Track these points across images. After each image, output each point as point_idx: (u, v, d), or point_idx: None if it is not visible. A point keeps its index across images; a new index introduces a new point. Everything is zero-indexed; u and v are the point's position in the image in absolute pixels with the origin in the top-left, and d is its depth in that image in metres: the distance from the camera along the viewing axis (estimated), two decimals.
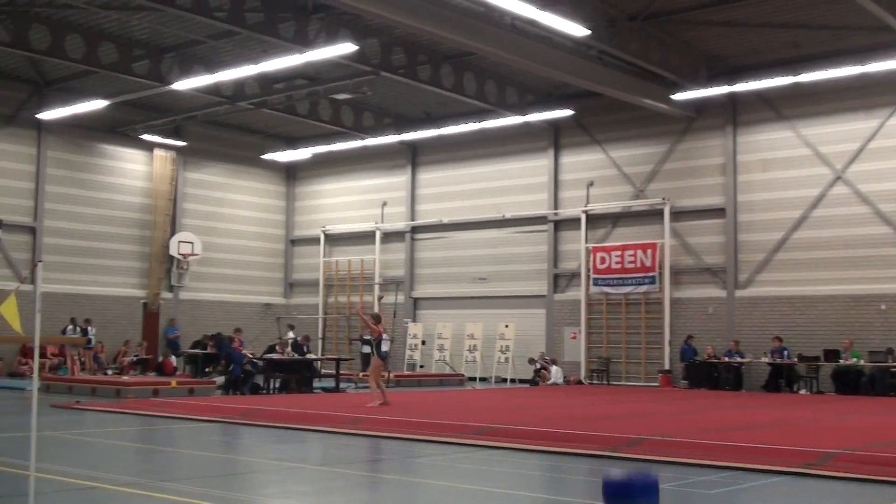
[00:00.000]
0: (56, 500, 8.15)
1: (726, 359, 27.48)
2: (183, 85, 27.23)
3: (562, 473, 11.14)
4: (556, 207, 32.00)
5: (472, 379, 31.49)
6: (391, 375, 28.72)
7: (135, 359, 31.54)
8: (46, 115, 30.42)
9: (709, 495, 9.32)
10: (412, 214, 35.50)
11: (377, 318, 19.90)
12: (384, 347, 32.13)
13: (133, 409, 17.84)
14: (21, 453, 9.19)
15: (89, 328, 30.51)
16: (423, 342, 33.62)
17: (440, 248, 34.86)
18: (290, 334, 30.51)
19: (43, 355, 28.63)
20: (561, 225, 32.05)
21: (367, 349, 30.89)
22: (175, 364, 31.37)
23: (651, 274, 29.52)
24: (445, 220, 34.40)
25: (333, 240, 37.63)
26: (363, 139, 33.88)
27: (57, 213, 31.63)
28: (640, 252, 29.85)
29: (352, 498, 8.90)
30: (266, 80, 28.98)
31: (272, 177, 38.36)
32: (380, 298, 31.40)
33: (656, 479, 1.59)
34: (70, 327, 29.91)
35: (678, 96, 27.17)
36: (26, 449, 7.67)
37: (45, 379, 24.12)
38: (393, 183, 36.19)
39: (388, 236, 36.11)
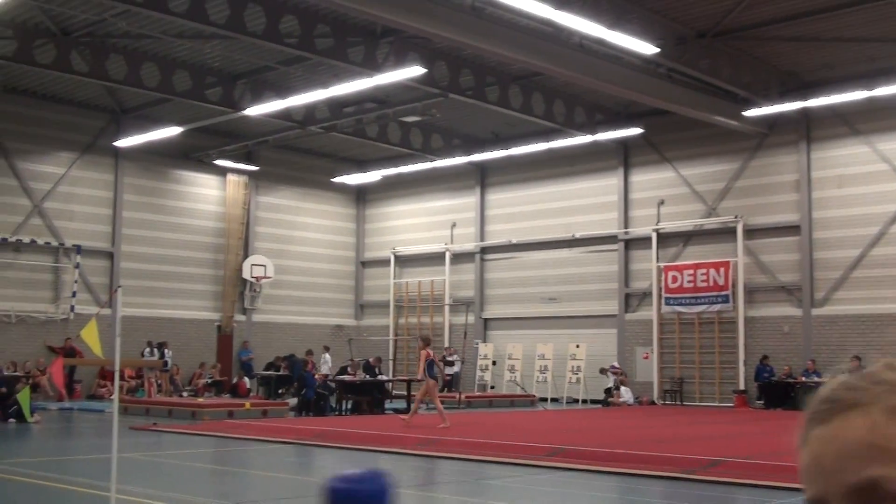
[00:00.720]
0: None
1: (803, 378, 26.95)
2: (255, 111, 27.67)
3: (636, 496, 11.00)
4: (626, 226, 31.77)
5: (544, 400, 31.31)
6: (462, 396, 28.71)
7: (209, 381, 31.97)
8: (123, 143, 31.13)
9: None
10: (481, 235, 35.53)
11: (426, 341, 20.06)
12: (455, 369, 32.35)
13: (208, 431, 18.06)
14: (102, 475, 9.36)
15: (166, 351, 31.03)
16: (494, 363, 33.55)
17: (510, 268, 34.80)
18: (326, 356, 30.75)
19: (121, 378, 29.15)
20: (631, 244, 31.80)
21: (448, 370, 31.20)
22: (249, 386, 31.76)
23: (724, 293, 29.11)
24: (515, 240, 34.35)
25: (403, 261, 37.80)
26: (432, 161, 34.03)
27: (133, 239, 32.28)
28: (712, 271, 29.46)
29: None
30: (336, 104, 29.29)
31: (342, 199, 38.71)
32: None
33: (384, 485, 1.45)
34: (147, 350, 30.45)
35: (750, 113, 26.81)
36: (107, 471, 7.82)
37: (123, 401, 24.54)
38: (462, 204, 36.27)
39: (458, 257, 36.16)
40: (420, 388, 19.97)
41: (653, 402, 29.92)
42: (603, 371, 30.20)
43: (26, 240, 29.81)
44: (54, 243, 30.40)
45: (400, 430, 17.36)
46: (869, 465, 0.81)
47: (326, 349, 32.06)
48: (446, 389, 31.51)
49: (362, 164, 37.41)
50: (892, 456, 0.81)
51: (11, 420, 18.12)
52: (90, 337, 7.75)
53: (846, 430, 0.85)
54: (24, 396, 8.05)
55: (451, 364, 32.12)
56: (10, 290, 29.45)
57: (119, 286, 8.99)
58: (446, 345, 34.98)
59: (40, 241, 30.11)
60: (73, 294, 30.47)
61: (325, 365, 31.09)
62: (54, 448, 15.92)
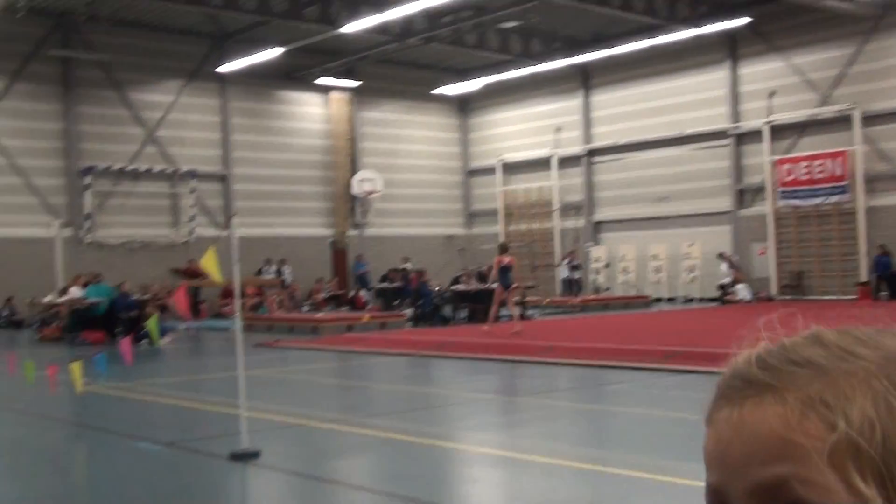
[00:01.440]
0: (268, 438, 8.62)
1: None
2: (352, 27, 27.64)
3: None
4: (736, 121, 30.96)
5: (658, 300, 31.17)
6: (577, 300, 28.77)
7: (328, 295, 32.77)
8: (227, 67, 31.57)
9: None
10: (587, 138, 35.10)
11: (502, 248, 20.43)
12: (567, 274, 32.40)
13: (329, 346, 18.56)
14: (231, 393, 9.77)
15: (284, 268, 31.87)
16: (607, 265, 33.43)
17: (618, 170, 34.38)
18: (408, 265, 31.33)
19: (243, 296, 30.08)
20: (743, 138, 31.02)
21: (573, 274, 31.65)
22: (366, 298, 32.41)
23: (842, 183, 28.26)
24: (622, 141, 33.85)
25: (510, 168, 37.68)
26: (533, 65, 33.57)
27: (244, 161, 32.95)
28: (829, 161, 28.59)
29: (546, 428, 9.05)
30: (433, 15, 29.04)
31: (446, 110, 38.63)
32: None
33: None
34: (265, 268, 31.30)
35: None
36: (236, 389, 8.15)
37: (246, 319, 25.30)
38: (566, 107, 35.81)
39: (565, 161, 35.85)
40: (496, 295, 20.06)
41: (770, 298, 29.48)
42: (721, 256, 29.81)
43: (143, 168, 30.73)
44: (169, 170, 31.26)
45: (516, 338, 17.54)
46: (778, 462, 0.72)
47: (406, 259, 32.34)
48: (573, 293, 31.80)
49: (463, 74, 37.14)
50: (803, 454, 0.71)
51: (143, 342, 18.96)
52: (210, 265, 8.00)
53: (757, 417, 0.74)
54: (152, 323, 8.46)
55: (577, 268, 32.40)
56: (132, 217, 30.52)
57: (234, 213, 9.24)
58: (557, 250, 35.01)
59: (156, 169, 31.00)
60: (192, 218, 31.41)
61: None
62: (185, 368, 16.63)
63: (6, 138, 28.54)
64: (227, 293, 30.43)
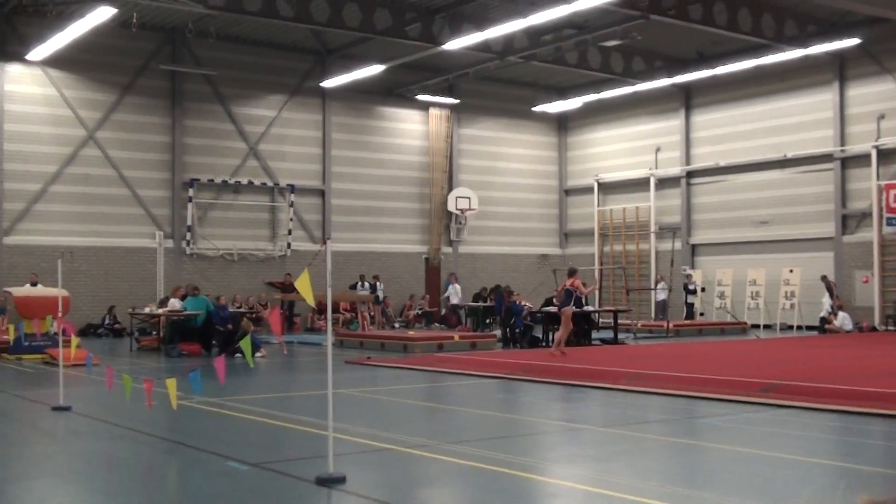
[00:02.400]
0: (354, 462, 8.65)
1: None
2: (454, 44, 27.77)
3: (858, 437, 10.57)
4: (842, 144, 30.16)
5: (756, 326, 30.49)
6: (670, 325, 28.34)
7: (420, 312, 32.90)
8: (329, 83, 32.05)
9: None
10: (687, 159, 34.60)
11: (571, 272, 20.15)
12: (662, 296, 31.95)
13: (419, 365, 18.59)
14: (320, 412, 9.83)
15: (377, 284, 32.11)
16: (703, 289, 32.86)
17: (717, 191, 33.80)
18: (456, 286, 32.63)
19: (336, 311, 30.43)
20: (848, 162, 30.20)
21: (661, 296, 31.39)
22: (459, 316, 32.47)
23: None
24: (722, 162, 33.29)
25: (607, 188, 37.36)
26: (634, 84, 33.28)
27: (342, 176, 33.36)
28: None
29: (637, 464, 8.88)
30: (534, 33, 29.01)
31: (544, 128, 38.52)
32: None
33: None
34: (359, 284, 31.59)
35: None
36: (325, 407, 8.19)
37: (338, 334, 25.64)
38: (666, 127, 35.38)
39: (663, 182, 35.40)
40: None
41: (874, 328, 28.58)
42: (823, 279, 29.05)
43: (244, 181, 31.35)
44: (269, 183, 31.82)
45: (608, 364, 17.32)
46: None
47: (455, 278, 32.73)
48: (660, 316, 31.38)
49: (563, 92, 37.02)
50: None
51: (238, 356, 19.27)
52: (304, 287, 8.06)
53: None
54: (245, 343, 8.57)
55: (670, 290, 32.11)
56: (231, 230, 31.15)
57: (329, 237, 9.31)
58: (653, 272, 34.55)
59: (257, 182, 31.60)
60: (289, 232, 31.90)
61: (455, 295, 31.84)
62: (277, 384, 16.83)
63: (115, 150, 29.45)
64: (321, 309, 30.83)
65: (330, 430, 8.04)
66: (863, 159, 29.71)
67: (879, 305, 29.12)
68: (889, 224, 28.77)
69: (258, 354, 20.55)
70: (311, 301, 8.41)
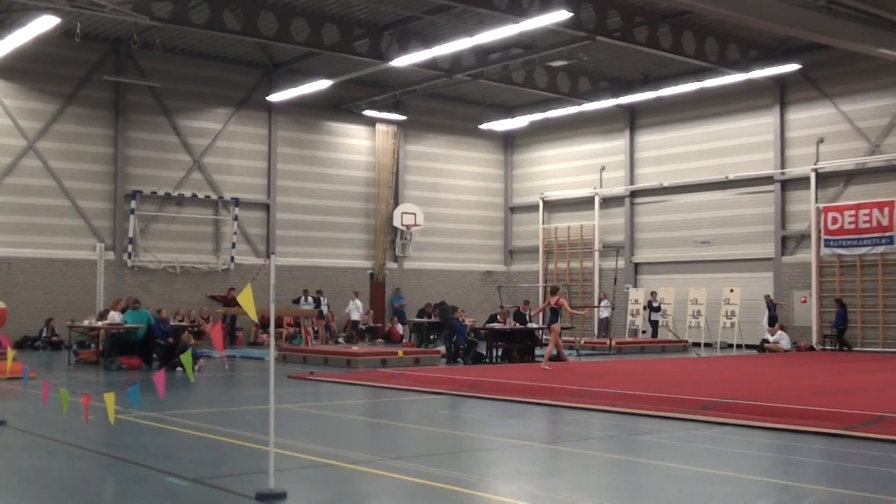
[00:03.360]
0: (296, 478, 8.58)
1: None
2: (401, 61, 27.84)
3: (794, 454, 10.74)
4: (782, 167, 30.72)
5: (697, 345, 30.85)
6: (613, 342, 28.56)
7: (363, 327, 32.79)
8: (276, 97, 31.93)
9: None
10: (631, 178, 34.99)
11: (554, 290, 21.65)
12: (605, 314, 32.26)
13: (363, 381, 18.51)
14: (262, 427, 9.75)
15: (321, 299, 31.97)
16: (645, 308, 33.18)
17: (660, 211, 34.22)
18: (357, 301, 32.65)
19: (279, 325, 30.23)
20: (788, 185, 30.77)
21: (604, 314, 31.84)
22: (401, 331, 32.42)
23: (889, 234, 27.92)
24: (665, 183, 33.71)
25: (552, 206, 37.64)
26: (580, 104, 33.62)
27: (288, 190, 33.21)
28: (875, 211, 28.26)
29: (578, 480, 8.92)
30: (482, 51, 29.21)
31: (490, 146, 38.72)
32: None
33: None
34: (302, 298, 31.42)
35: None
36: (267, 423, 8.13)
37: (281, 349, 25.46)
38: (611, 147, 35.77)
39: (607, 201, 35.75)
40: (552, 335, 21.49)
41: (811, 348, 29.07)
42: (767, 299, 29.51)
43: (188, 194, 31.08)
44: (214, 197, 31.58)
45: (550, 380, 17.40)
46: None
47: (356, 294, 32.53)
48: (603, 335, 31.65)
49: (509, 110, 37.28)
50: None
51: (179, 369, 19.03)
52: (246, 302, 7.99)
53: None
54: (186, 358, 8.47)
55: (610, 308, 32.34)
56: (174, 243, 30.84)
57: (273, 252, 9.26)
58: (597, 290, 34.82)
59: (201, 195, 31.33)
60: (233, 245, 31.67)
61: (357, 311, 31.88)
62: (218, 398, 16.65)
63: (56, 160, 29.02)
64: (264, 322, 30.60)
65: (271, 445, 7.97)
66: (802, 182, 30.27)
67: (817, 325, 29.64)
68: (827, 246, 29.34)
69: (196, 366, 20.31)
70: (253, 316, 8.34)
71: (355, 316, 32.86)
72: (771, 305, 29.48)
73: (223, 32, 26.25)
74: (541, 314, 21.22)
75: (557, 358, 24.85)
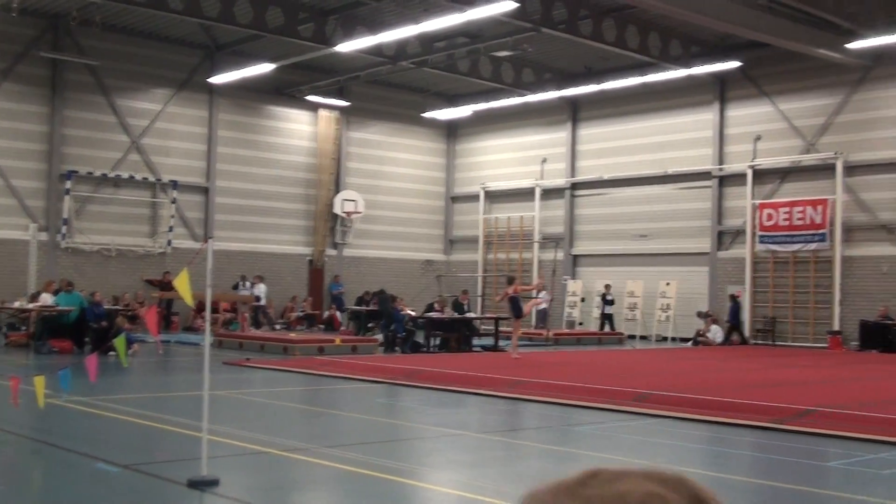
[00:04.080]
0: (229, 465, 8.51)
1: None
2: (346, 46, 27.67)
3: (725, 447, 10.92)
4: (721, 163, 31.12)
5: (632, 337, 31.17)
6: (550, 333, 28.75)
7: (301, 314, 32.62)
8: (218, 79, 31.53)
9: (881, 476, 8.97)
10: (572, 171, 35.20)
11: (510, 280, 22.06)
12: (543, 305, 32.42)
13: (299, 368, 18.43)
14: (195, 413, 9.65)
15: (260, 284, 31.68)
16: (583, 300, 33.46)
17: (600, 204, 34.47)
18: (261, 286, 30.95)
19: (216, 311, 29.91)
20: (726, 181, 31.18)
21: (541, 305, 31.95)
22: (340, 319, 32.30)
23: (821, 231, 28.41)
24: (606, 176, 33.96)
25: (493, 196, 37.73)
26: (523, 95, 33.70)
27: (228, 174, 32.85)
28: (809, 208, 28.75)
29: (509, 470, 8.98)
30: (427, 39, 29.13)
31: (433, 134, 38.68)
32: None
33: None
34: (240, 284, 31.13)
35: (853, 45, 25.83)
36: (200, 408, 8.04)
37: (217, 335, 25.21)
38: (553, 139, 35.93)
39: (548, 193, 35.93)
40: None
41: (744, 342, 29.55)
42: (700, 315, 29.88)
43: (125, 175, 30.58)
44: (151, 179, 31.12)
45: (488, 371, 17.47)
46: None
47: (260, 279, 31.40)
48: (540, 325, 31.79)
49: (453, 99, 37.25)
50: None
51: (112, 354, 18.77)
52: (182, 287, 7.90)
53: None
54: (120, 342, 8.31)
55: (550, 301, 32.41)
56: (109, 225, 30.33)
57: (211, 237, 9.14)
58: (535, 281, 34.96)
59: (138, 177, 30.85)
60: (170, 229, 31.25)
61: (262, 296, 30.91)
62: (151, 384, 16.46)
63: None
64: (201, 307, 30.27)
65: (204, 431, 7.90)
66: (739, 178, 30.71)
67: (750, 320, 30.13)
68: (761, 242, 29.82)
69: (130, 351, 20.01)
70: (188, 300, 8.25)
71: (264, 301, 31.75)
72: (735, 302, 29.83)
73: (165, 12, 25.83)
74: (507, 301, 21.34)
75: (493, 348, 25.00)
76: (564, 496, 0.93)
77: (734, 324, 29.58)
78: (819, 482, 8.77)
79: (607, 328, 32.06)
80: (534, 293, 28.04)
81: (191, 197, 32.08)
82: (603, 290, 32.25)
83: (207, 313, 8.48)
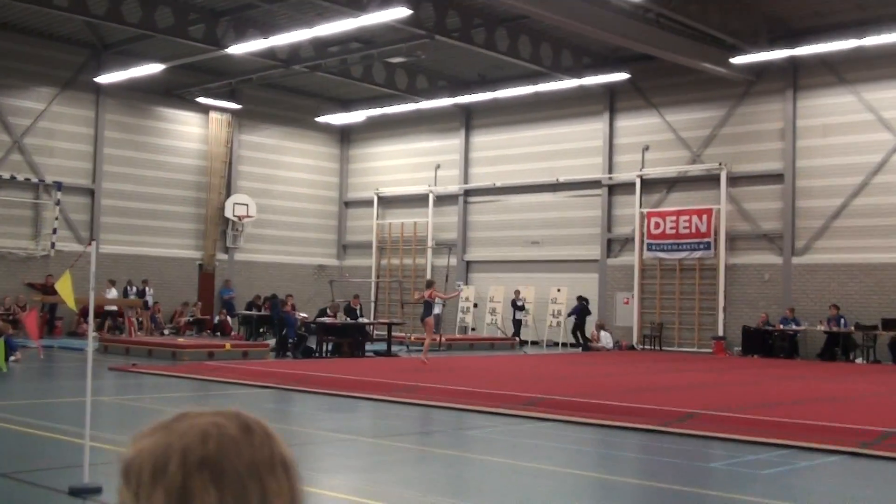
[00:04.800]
0: (111, 473, 8.28)
1: (781, 326, 27.19)
2: (238, 49, 27.33)
3: (612, 449, 11.12)
4: (610, 172, 31.74)
5: (524, 343, 31.50)
6: (443, 339, 28.86)
7: (191, 319, 32.05)
8: (104, 79, 30.76)
9: (760, 475, 9.25)
10: (465, 178, 35.42)
11: (429, 284, 22.05)
12: (437, 310, 32.45)
13: (188, 374, 18.10)
14: (78, 420, 9.37)
15: (147, 289, 31.02)
16: (476, 305, 33.67)
17: (493, 211, 34.78)
18: (113, 291, 29.77)
19: (101, 316, 29.16)
20: (615, 189, 31.81)
21: (435, 310, 31.80)
22: (232, 324, 31.84)
23: (706, 240, 29.22)
24: (499, 183, 34.28)
25: (387, 202, 37.72)
26: (417, 102, 33.79)
27: (115, 176, 32.07)
28: (695, 217, 29.54)
29: (402, 474, 8.97)
30: (321, 44, 28.98)
31: (326, 139, 38.46)
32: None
33: None
34: (127, 288, 30.41)
35: (737, 60, 26.70)
36: (83, 415, 7.83)
37: (103, 340, 24.60)
38: (446, 146, 36.11)
39: (442, 199, 36.09)
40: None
41: (632, 347, 30.18)
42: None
43: (6, 175, 29.59)
44: (34, 179, 30.16)
45: (381, 376, 17.44)
46: None
47: (111, 283, 29.95)
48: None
49: (347, 105, 37.13)
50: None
51: None
52: (64, 290, 7.70)
53: None
54: None
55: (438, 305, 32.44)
56: None
57: (93, 239, 8.92)
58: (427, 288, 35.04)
59: (20, 177, 29.87)
60: (54, 231, 30.33)
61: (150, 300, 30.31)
62: (33, 390, 15.94)
63: None
64: (85, 312, 29.45)
65: (87, 438, 7.69)
66: (628, 187, 31.36)
67: (638, 325, 30.77)
68: (649, 250, 30.50)
69: (12, 358, 19.37)
70: (71, 304, 8.04)
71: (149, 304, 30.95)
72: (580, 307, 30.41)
73: (49, 8, 25.11)
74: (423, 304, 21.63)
75: (386, 353, 24.99)
76: (159, 429, 1.27)
77: (579, 323, 30.39)
78: (701, 482, 8.99)
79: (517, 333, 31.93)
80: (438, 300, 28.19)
81: (76, 199, 31.20)
82: (513, 296, 31.97)
83: (90, 317, 8.26)
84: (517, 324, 31.80)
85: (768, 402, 14.63)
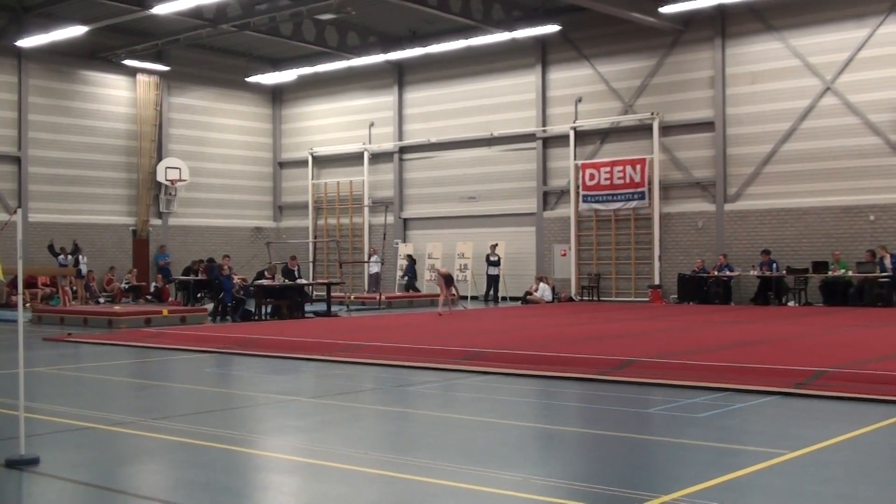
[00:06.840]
0: (49, 443, 8.20)
1: (715, 273, 27.64)
2: (163, 8, 26.76)
3: (552, 399, 11.25)
4: (544, 124, 31.82)
5: (464, 298, 31.62)
6: (383, 297, 28.88)
7: (126, 286, 31.62)
8: (26, 43, 29.96)
9: (697, 419, 9.42)
10: (400, 135, 35.28)
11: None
12: (375, 269, 32.44)
13: (126, 341, 17.90)
14: (11, 391, 9.22)
15: (80, 257, 30.48)
16: (414, 262, 33.68)
17: (429, 167, 34.73)
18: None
19: (34, 285, 28.66)
20: (549, 142, 31.92)
21: (374, 269, 32.14)
22: (170, 290, 31.50)
23: (640, 189, 29.51)
24: (433, 139, 34.21)
25: (321, 162, 37.44)
26: (349, 59, 33.48)
27: (42, 142, 31.39)
28: (629, 168, 29.79)
29: (346, 432, 8.99)
30: (248, 2, 28.51)
31: (258, 99, 37.99)
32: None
33: None
34: (60, 257, 29.86)
35: (666, 9, 26.86)
36: (16, 387, 7.70)
37: (36, 310, 24.20)
38: (380, 103, 35.88)
39: (377, 157, 35.93)
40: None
41: (571, 299, 30.46)
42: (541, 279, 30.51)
43: None
44: None
45: (321, 336, 17.41)
46: None
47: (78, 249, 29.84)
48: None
49: (277, 63, 36.68)
50: None
51: None
52: None
53: None
54: None
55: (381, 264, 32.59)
56: None
57: (20, 207, 8.72)
58: (366, 245, 35.03)
59: None
60: None
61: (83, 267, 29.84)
62: None
63: None
64: (15, 283, 28.88)
65: (21, 409, 7.58)
66: (562, 139, 31.50)
67: (576, 277, 31.07)
68: (585, 201, 30.72)
69: None
70: (0, 275, 7.85)
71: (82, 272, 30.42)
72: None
73: None
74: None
75: (326, 314, 24.97)
76: None
77: (410, 279, 32.57)
78: (641, 428, 9.15)
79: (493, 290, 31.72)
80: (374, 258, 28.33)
81: (1, 167, 30.49)
82: (487, 252, 31.86)
83: (20, 287, 8.10)
84: (492, 279, 31.53)
85: (704, 347, 14.89)
